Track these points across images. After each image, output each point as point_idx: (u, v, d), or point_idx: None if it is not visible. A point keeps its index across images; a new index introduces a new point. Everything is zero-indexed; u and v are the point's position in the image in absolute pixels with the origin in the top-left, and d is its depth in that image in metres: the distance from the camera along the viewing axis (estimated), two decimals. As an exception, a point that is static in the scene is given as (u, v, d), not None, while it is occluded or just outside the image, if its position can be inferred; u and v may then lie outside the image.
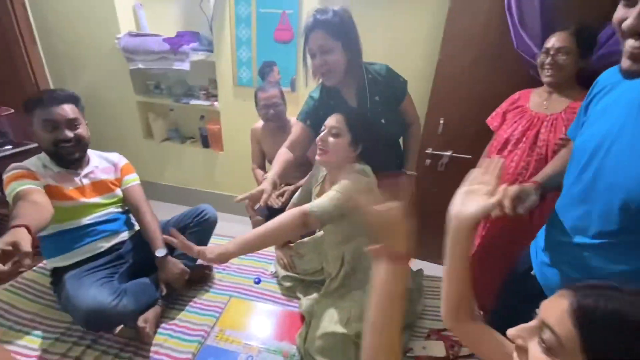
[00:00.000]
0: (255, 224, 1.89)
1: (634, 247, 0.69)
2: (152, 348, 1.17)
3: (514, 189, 0.90)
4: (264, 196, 1.16)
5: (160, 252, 1.30)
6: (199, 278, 1.47)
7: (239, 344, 1.20)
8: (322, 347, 1.07)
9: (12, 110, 2.08)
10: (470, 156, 1.80)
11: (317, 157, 1.17)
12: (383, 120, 1.34)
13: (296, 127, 1.45)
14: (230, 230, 1.88)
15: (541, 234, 0.95)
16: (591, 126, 0.79)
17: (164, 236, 1.02)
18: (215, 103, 2.52)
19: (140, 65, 2.38)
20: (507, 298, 1.07)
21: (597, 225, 0.73)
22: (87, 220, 1.30)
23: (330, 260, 1.24)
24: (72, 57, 2.60)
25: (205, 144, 2.75)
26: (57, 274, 1.26)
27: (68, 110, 1.24)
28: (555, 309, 0.47)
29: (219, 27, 2.27)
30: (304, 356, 1.12)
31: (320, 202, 1.04)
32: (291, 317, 1.31)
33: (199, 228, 1.48)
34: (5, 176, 1.19)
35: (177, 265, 1.31)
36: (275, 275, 1.51)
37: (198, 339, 1.20)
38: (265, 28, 2.20)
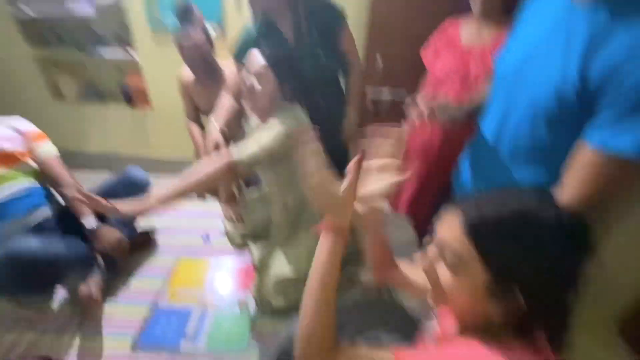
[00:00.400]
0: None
1: (544, 159, 0.76)
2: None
3: (438, 101, 0.94)
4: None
5: (88, 221, 1.19)
6: (142, 245, 1.39)
7: (194, 301, 1.19)
8: (276, 291, 1.10)
9: None
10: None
11: (246, 107, 1.10)
12: (321, 56, 1.29)
13: (233, 68, 1.35)
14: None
15: (463, 160, 1.02)
16: (514, 43, 0.83)
17: (81, 197, 0.90)
18: (134, 54, 2.22)
19: (28, 11, 1.97)
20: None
21: (510, 138, 0.79)
22: None
23: (276, 209, 1.23)
24: None
25: (130, 102, 2.46)
26: None
27: None
28: (449, 228, 0.49)
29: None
30: (260, 303, 1.15)
31: (248, 150, 1.00)
32: (244, 269, 1.32)
33: (129, 193, 1.36)
34: None
35: (112, 234, 1.21)
36: (225, 233, 1.48)
37: (148, 303, 1.17)
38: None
